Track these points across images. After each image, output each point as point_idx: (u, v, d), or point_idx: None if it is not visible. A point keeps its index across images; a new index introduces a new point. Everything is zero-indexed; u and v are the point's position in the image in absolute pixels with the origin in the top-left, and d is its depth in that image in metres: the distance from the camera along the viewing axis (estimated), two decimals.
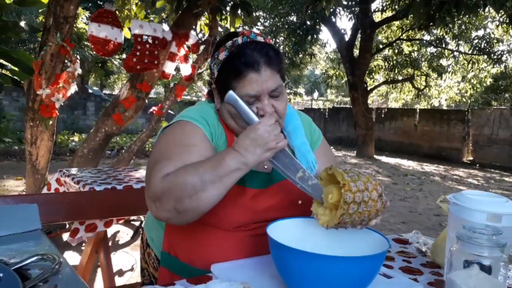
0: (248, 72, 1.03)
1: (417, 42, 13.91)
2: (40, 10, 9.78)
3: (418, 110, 14.26)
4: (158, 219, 0.99)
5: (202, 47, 4.50)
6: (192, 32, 4.29)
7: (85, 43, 11.18)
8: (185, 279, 0.94)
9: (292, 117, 1.22)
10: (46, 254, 0.75)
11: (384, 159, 12.04)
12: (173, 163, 0.95)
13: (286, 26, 13.86)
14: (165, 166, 0.95)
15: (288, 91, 21.06)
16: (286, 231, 0.98)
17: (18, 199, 1.52)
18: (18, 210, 0.94)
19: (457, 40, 13.12)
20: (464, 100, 16.56)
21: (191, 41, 4.20)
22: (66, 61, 3.49)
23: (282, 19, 13.99)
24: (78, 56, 3.65)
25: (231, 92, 1.00)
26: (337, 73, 16.17)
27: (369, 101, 13.82)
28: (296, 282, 0.86)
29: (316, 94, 25.89)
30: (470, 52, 13.28)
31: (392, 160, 11.83)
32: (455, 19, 10.05)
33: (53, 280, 0.68)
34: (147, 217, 1.33)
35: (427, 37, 13.60)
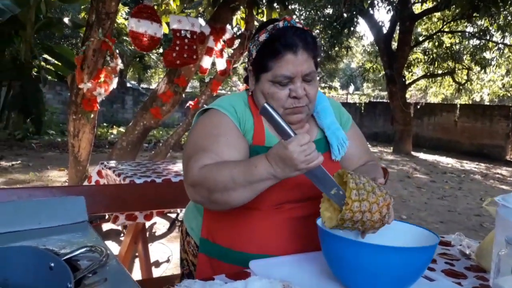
0: (286, 53, 1.08)
1: (459, 34, 13.37)
2: (82, 7, 10.11)
3: (458, 105, 13.74)
4: (193, 201, 1.10)
5: (237, 41, 4.51)
6: (228, 27, 4.31)
7: (124, 38, 11.48)
8: (223, 274, 0.96)
9: (321, 99, 1.28)
10: (94, 246, 0.78)
11: (422, 156, 11.71)
12: (207, 155, 1.04)
13: (322, 19, 13.67)
14: (201, 158, 1.03)
15: (322, 84, 20.83)
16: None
17: (64, 190, 1.58)
18: (66, 202, 0.97)
19: (502, 31, 12.50)
20: (509, 95, 15.81)
21: (227, 36, 4.22)
22: (107, 56, 3.60)
23: (318, 12, 13.81)
24: (117, 51, 3.74)
25: (266, 104, 0.96)
26: (374, 66, 15.82)
27: (407, 96, 13.44)
28: (348, 273, 0.89)
29: (352, 88, 25.45)
30: None
31: (430, 157, 11.48)
32: (501, 9, 9.57)
33: (102, 272, 0.70)
34: (186, 209, 1.37)
35: (469, 29, 13.06)
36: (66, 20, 9.01)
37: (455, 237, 1.31)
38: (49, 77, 9.43)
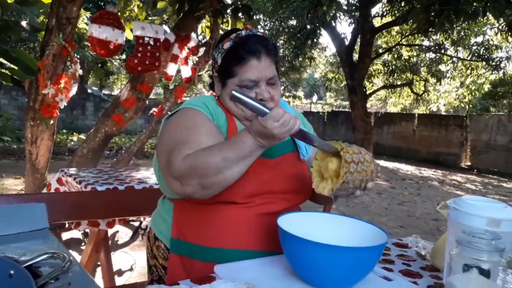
0: (250, 59, 1.17)
1: (416, 47, 13.95)
2: (41, 10, 9.79)
3: (416, 115, 14.30)
4: (181, 195, 1.09)
5: (202, 50, 4.52)
6: (193, 35, 4.32)
7: (86, 43, 11.20)
8: (188, 279, 0.96)
9: (285, 106, 1.35)
10: (56, 252, 0.77)
11: (382, 163, 12.07)
12: (189, 145, 1.05)
13: (286, 30, 13.87)
14: (183, 149, 1.04)
15: (287, 94, 21.08)
16: (294, 224, 1.04)
17: (21, 198, 1.53)
18: (26, 209, 0.95)
19: (456, 46, 13.16)
20: (463, 105, 16.60)
21: (192, 43, 4.22)
22: (67, 61, 3.51)
23: (283, 23, 14.01)
24: (78, 56, 3.66)
25: (233, 91, 1.02)
26: (336, 76, 16.19)
27: (368, 105, 13.84)
28: (303, 269, 0.95)
29: (315, 98, 25.92)
30: (468, 58, 13.33)
31: (390, 165, 11.86)
32: (454, 25, 10.08)
33: (64, 278, 0.69)
34: (153, 215, 1.36)
35: (426, 43, 13.65)
36: (23, 23, 8.68)
37: (412, 240, 1.37)
38: (4, 82, 9.05)
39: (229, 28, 4.91)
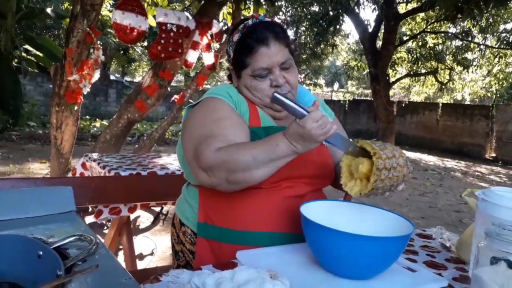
0: (259, 47, 1.16)
1: (442, 35, 13.56)
2: None
3: (440, 105, 13.98)
4: (207, 185, 1.10)
5: (225, 36, 4.50)
6: (215, 21, 4.30)
7: (109, 30, 11.32)
8: (211, 264, 0.96)
9: (306, 92, 1.36)
10: (83, 234, 0.78)
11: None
12: (217, 138, 1.06)
13: (309, 16, 13.69)
14: (212, 142, 1.05)
15: (308, 81, 20.89)
16: (317, 212, 1.03)
17: (48, 181, 1.56)
18: (54, 192, 0.97)
19: (484, 33, 12.74)
20: (489, 95, 16.14)
21: (214, 30, 4.21)
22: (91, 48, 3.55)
23: (305, 9, 13.82)
24: (101, 43, 3.69)
25: (275, 93, 1.03)
26: (358, 64, 15.93)
27: (390, 94, 13.59)
28: (326, 258, 0.94)
29: (336, 86, 25.59)
30: (497, 46, 12.90)
31: (412, 155, 11.67)
32: (483, 12, 9.75)
33: (91, 260, 0.70)
34: (178, 201, 1.37)
35: (452, 30, 13.26)
36: (48, 10, 8.81)
37: (436, 231, 1.34)
38: (30, 69, 9.24)
39: (251, 14, 4.87)
